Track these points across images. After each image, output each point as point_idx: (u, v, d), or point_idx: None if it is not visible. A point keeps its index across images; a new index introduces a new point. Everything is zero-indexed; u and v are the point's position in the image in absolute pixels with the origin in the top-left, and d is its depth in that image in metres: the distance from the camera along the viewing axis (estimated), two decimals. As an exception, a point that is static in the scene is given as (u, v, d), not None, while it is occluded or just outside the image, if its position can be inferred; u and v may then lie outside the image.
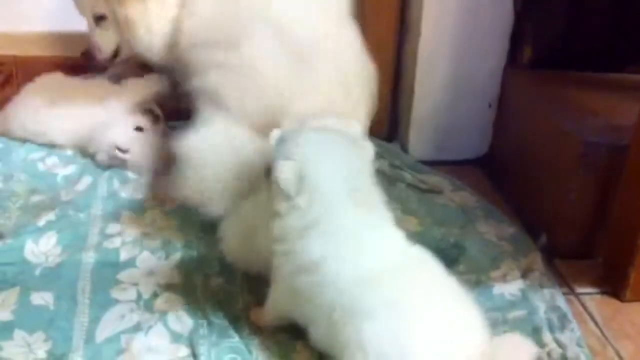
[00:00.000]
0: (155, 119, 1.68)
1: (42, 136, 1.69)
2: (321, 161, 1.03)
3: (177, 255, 1.34)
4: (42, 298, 1.21)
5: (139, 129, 1.64)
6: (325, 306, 1.00)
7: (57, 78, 1.78)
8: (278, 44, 1.34)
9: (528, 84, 1.65)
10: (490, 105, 1.72)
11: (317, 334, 1.05)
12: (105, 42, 1.58)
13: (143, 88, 1.71)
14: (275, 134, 1.12)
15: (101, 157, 1.63)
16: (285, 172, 1.01)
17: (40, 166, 1.64)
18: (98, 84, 1.75)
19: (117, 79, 1.76)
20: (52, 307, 1.19)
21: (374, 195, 1.07)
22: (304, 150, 1.03)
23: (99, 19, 1.56)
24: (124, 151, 1.60)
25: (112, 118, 1.64)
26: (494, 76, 1.70)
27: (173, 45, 1.50)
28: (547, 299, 1.25)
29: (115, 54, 1.61)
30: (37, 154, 1.67)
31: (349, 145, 1.08)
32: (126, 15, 1.48)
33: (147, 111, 1.67)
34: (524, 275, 1.31)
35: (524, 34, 1.67)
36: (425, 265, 1.04)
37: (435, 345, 0.94)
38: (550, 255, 1.39)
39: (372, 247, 1.02)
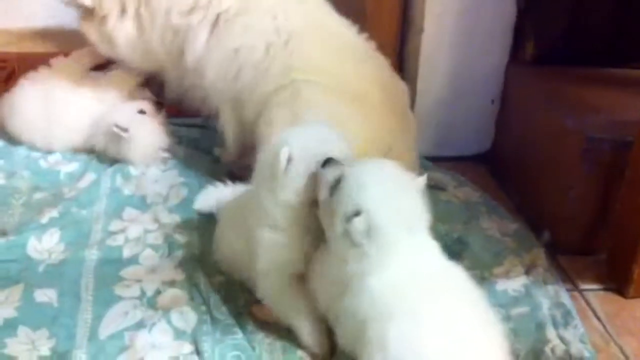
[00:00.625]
0: (159, 106, 1.69)
1: (40, 147, 1.68)
2: (389, 207, 1.03)
3: (179, 253, 1.34)
4: (45, 295, 1.22)
5: (142, 111, 1.65)
6: (357, 314, 1.00)
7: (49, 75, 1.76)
8: None
9: (530, 81, 1.65)
10: (492, 102, 1.72)
11: (341, 331, 1.06)
12: None
13: (126, 79, 1.72)
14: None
15: (99, 143, 1.64)
16: (359, 226, 1.00)
17: (43, 163, 1.64)
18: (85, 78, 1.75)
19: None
20: (55, 304, 1.20)
21: (424, 220, 1.08)
22: (371, 196, 1.02)
23: None
24: (123, 129, 1.59)
25: (111, 107, 1.66)
26: (497, 73, 1.70)
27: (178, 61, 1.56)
28: (551, 295, 1.25)
29: None
30: (39, 151, 1.67)
31: (406, 178, 1.08)
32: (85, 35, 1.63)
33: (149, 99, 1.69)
34: (527, 271, 1.32)
35: (526, 31, 1.67)
36: (452, 279, 1.05)
37: (447, 350, 0.95)
38: (554, 252, 1.39)
39: (411, 263, 1.02)
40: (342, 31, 1.50)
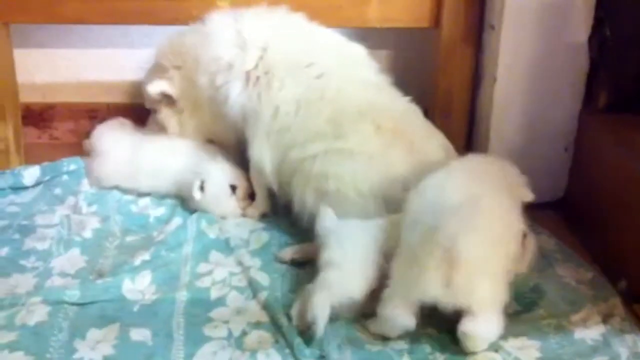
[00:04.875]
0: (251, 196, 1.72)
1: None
2: None
3: (263, 295, 1.40)
4: (140, 334, 1.29)
5: (233, 187, 1.69)
6: None
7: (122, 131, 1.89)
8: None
9: (604, 129, 1.66)
10: (566, 150, 1.74)
11: None
12: None
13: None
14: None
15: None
16: None
17: (134, 208, 1.73)
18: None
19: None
20: (150, 343, 1.27)
21: None
22: None
23: None
24: (201, 189, 1.66)
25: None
26: (569, 121, 1.72)
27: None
28: (629, 345, 1.25)
29: None
30: (130, 196, 1.76)
31: None
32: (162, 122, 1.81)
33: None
34: (605, 320, 1.32)
35: (599, 80, 1.69)
36: None
37: None
38: (630, 300, 1.39)
39: None
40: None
